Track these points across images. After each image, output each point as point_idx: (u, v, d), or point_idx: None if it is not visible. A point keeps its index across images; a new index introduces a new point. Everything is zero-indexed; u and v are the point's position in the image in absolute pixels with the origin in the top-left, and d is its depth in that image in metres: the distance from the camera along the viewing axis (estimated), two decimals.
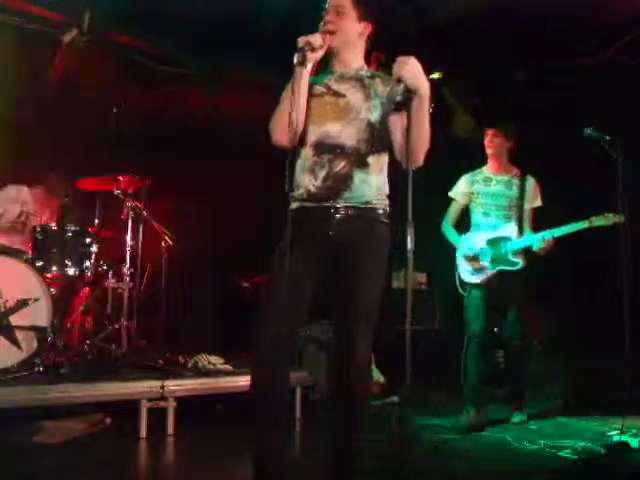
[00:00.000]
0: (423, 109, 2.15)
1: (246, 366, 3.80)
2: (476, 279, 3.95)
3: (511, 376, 4.20)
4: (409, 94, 2.11)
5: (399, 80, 2.10)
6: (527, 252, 3.90)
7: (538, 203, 4.01)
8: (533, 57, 4.92)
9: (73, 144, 4.72)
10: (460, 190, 4.11)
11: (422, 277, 5.67)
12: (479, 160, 4.14)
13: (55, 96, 4.85)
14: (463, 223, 4.17)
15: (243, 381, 3.71)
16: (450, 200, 4.16)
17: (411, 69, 2.10)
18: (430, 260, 4.97)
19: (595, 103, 4.72)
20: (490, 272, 3.91)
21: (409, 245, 1.94)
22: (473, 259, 3.95)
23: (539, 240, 3.77)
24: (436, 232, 4.65)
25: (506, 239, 3.90)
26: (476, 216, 4.04)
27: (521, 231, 3.91)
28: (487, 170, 4.07)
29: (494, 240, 3.93)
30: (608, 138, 3.57)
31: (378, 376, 4.60)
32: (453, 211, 4.14)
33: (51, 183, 4.55)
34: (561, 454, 3.22)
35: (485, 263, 3.91)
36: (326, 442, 2.28)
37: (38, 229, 3.98)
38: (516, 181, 3.98)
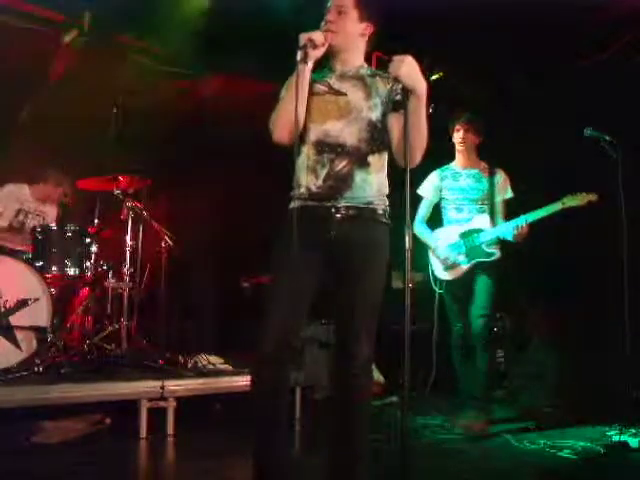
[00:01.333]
0: (420, 109, 2.15)
1: (246, 366, 3.82)
2: (450, 275, 3.89)
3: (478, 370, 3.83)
4: (405, 93, 2.12)
5: (396, 79, 2.10)
6: (503, 243, 3.84)
7: (509, 194, 3.95)
8: (532, 57, 4.91)
9: (73, 144, 4.72)
10: (430, 186, 4.01)
11: (421, 276, 5.65)
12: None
13: (55, 96, 4.85)
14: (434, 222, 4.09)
15: (243, 381, 3.71)
16: (419, 199, 4.05)
17: (407, 68, 2.10)
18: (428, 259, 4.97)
19: (594, 103, 4.73)
20: (465, 266, 3.84)
21: (407, 245, 1.94)
22: (446, 256, 3.88)
23: (513, 227, 3.69)
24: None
25: (479, 231, 3.83)
26: (448, 212, 3.97)
27: (493, 223, 3.86)
28: (455, 165, 4.01)
29: (467, 233, 3.86)
30: (608, 138, 3.57)
31: (378, 376, 4.59)
32: (424, 209, 4.04)
33: (50, 181, 4.55)
34: (561, 454, 3.22)
35: (459, 257, 3.84)
36: (326, 442, 2.28)
37: (38, 229, 3.98)
38: (485, 175, 3.94)
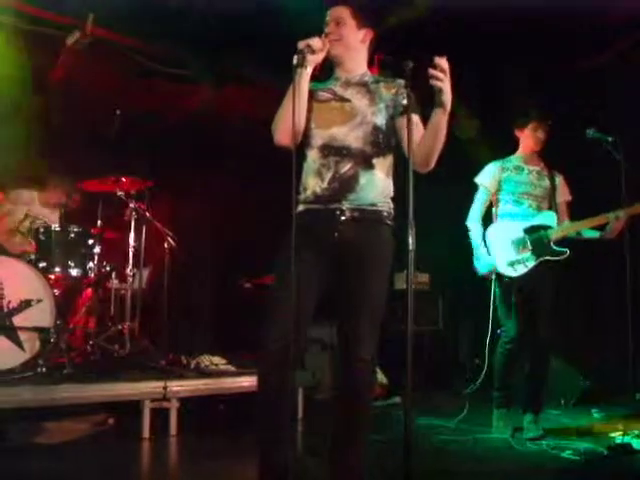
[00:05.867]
0: (445, 121, 2.17)
1: (248, 367, 3.83)
2: (516, 272, 3.66)
3: (531, 377, 3.71)
4: (410, 99, 2.15)
5: (440, 92, 2.09)
6: (570, 242, 3.69)
7: (570, 197, 3.85)
8: (532, 60, 4.92)
9: (76, 146, 4.74)
10: (490, 176, 3.83)
11: (424, 277, 5.66)
12: (479, 160, 4.08)
13: (58, 98, 4.86)
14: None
15: (245, 382, 3.72)
16: (474, 188, 3.85)
17: (448, 86, 2.10)
18: (432, 260, 4.97)
19: (597, 104, 4.74)
20: (532, 264, 3.65)
21: (410, 245, 1.94)
22: (516, 248, 3.69)
23: (612, 219, 3.52)
24: (438, 232, 4.65)
25: (546, 227, 3.68)
26: (505, 205, 3.79)
27: (558, 223, 3.72)
28: (518, 159, 3.86)
29: (532, 228, 3.69)
30: (610, 139, 3.56)
31: (381, 377, 4.59)
32: (482, 201, 3.84)
33: (56, 188, 4.58)
34: (563, 455, 3.21)
35: (526, 253, 3.67)
36: (329, 442, 2.29)
37: (41, 230, 3.99)
38: (546, 173, 3.83)
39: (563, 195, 3.85)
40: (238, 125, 5.33)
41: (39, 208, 4.50)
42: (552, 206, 3.78)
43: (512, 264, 3.69)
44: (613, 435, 3.52)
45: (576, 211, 3.84)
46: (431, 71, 2.06)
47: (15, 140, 4.45)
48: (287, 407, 2.25)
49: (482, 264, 3.76)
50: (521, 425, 3.67)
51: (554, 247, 3.67)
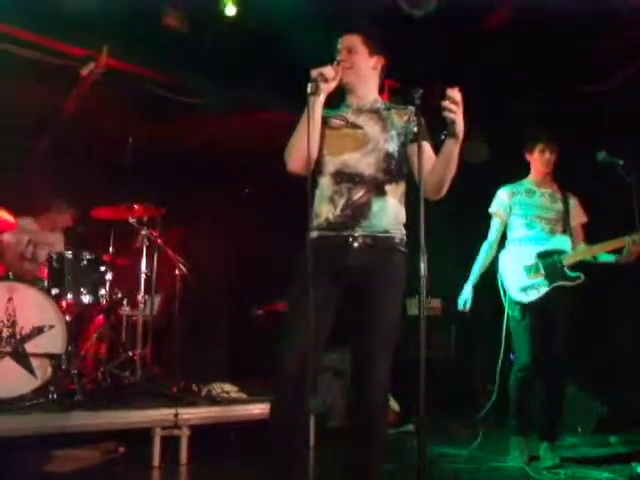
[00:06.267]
0: (456, 151, 2.18)
1: (260, 394, 3.80)
2: (529, 298, 3.62)
3: (547, 404, 3.66)
4: (420, 126, 2.17)
5: (452, 123, 2.11)
6: (585, 266, 3.64)
7: (585, 219, 3.81)
8: (537, 84, 4.94)
9: (90, 173, 4.80)
10: (501, 203, 3.83)
11: (436, 303, 5.62)
12: (494, 184, 4.07)
13: (73, 127, 4.94)
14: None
15: (257, 409, 3.69)
16: (489, 218, 3.86)
17: (460, 117, 2.11)
18: (444, 286, 4.94)
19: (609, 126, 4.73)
20: (545, 289, 3.61)
21: (422, 271, 1.94)
22: (528, 273, 3.66)
23: (628, 243, 3.44)
24: (450, 257, 4.62)
25: (560, 252, 3.64)
26: (517, 229, 3.77)
27: (573, 246, 3.68)
28: (530, 182, 3.85)
29: (545, 253, 3.66)
30: (621, 162, 3.55)
31: (393, 405, 4.54)
32: (496, 229, 3.83)
33: (53, 210, 4.65)
34: None
35: (537, 277, 3.64)
36: (342, 471, 2.25)
37: (54, 257, 4.02)
38: (559, 196, 3.81)
39: (578, 217, 3.80)
40: (251, 152, 5.38)
41: (44, 234, 4.54)
42: (566, 229, 3.74)
43: (525, 289, 3.66)
44: (634, 465, 3.44)
45: (592, 234, 3.79)
46: (444, 103, 2.07)
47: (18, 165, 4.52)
48: (300, 434, 2.22)
49: (461, 295, 3.79)
50: (537, 453, 3.61)
51: (568, 272, 3.63)
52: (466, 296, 3.78)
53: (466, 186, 4.03)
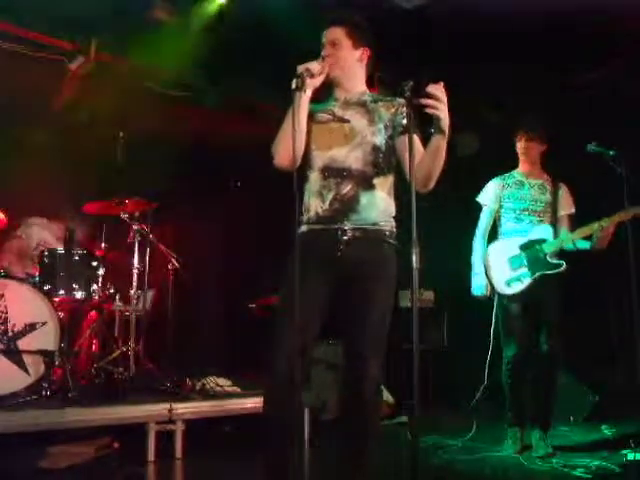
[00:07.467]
0: (444, 145, 2.18)
1: (254, 388, 3.80)
2: (513, 290, 3.66)
3: (538, 394, 3.70)
4: (410, 119, 2.16)
5: (437, 119, 2.10)
6: (566, 254, 3.67)
7: (573, 210, 3.82)
8: (534, 74, 4.94)
9: (80, 168, 4.76)
10: (491, 194, 3.86)
11: (429, 295, 5.64)
12: (484, 177, 4.09)
13: (62, 120, 4.90)
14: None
15: (251, 403, 3.70)
16: (479, 208, 3.89)
17: (445, 113, 2.10)
18: (437, 277, 4.96)
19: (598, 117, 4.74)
20: (528, 280, 3.65)
21: (414, 263, 1.94)
22: (512, 266, 3.69)
23: (596, 229, 3.49)
24: (441, 249, 4.63)
25: (541, 241, 3.66)
26: (506, 222, 3.81)
27: (557, 236, 3.69)
28: (519, 174, 3.87)
29: (528, 244, 3.69)
30: (612, 153, 3.55)
31: (387, 396, 4.56)
32: (485, 219, 3.87)
33: (55, 211, 4.62)
34: (575, 473, 3.17)
35: (521, 270, 3.67)
36: (336, 463, 2.27)
37: (45, 253, 4.00)
38: (548, 187, 3.82)
39: (565, 207, 3.82)
40: (242, 147, 5.36)
41: (50, 239, 4.52)
42: (554, 220, 3.76)
43: (508, 283, 3.70)
44: (625, 452, 3.47)
45: (581, 224, 3.76)
46: (426, 101, 2.06)
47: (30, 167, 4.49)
48: (293, 426, 2.23)
49: (475, 286, 3.80)
50: (530, 443, 3.63)
51: (550, 260, 3.66)
52: (480, 282, 3.77)
53: (459, 176, 4.05)
